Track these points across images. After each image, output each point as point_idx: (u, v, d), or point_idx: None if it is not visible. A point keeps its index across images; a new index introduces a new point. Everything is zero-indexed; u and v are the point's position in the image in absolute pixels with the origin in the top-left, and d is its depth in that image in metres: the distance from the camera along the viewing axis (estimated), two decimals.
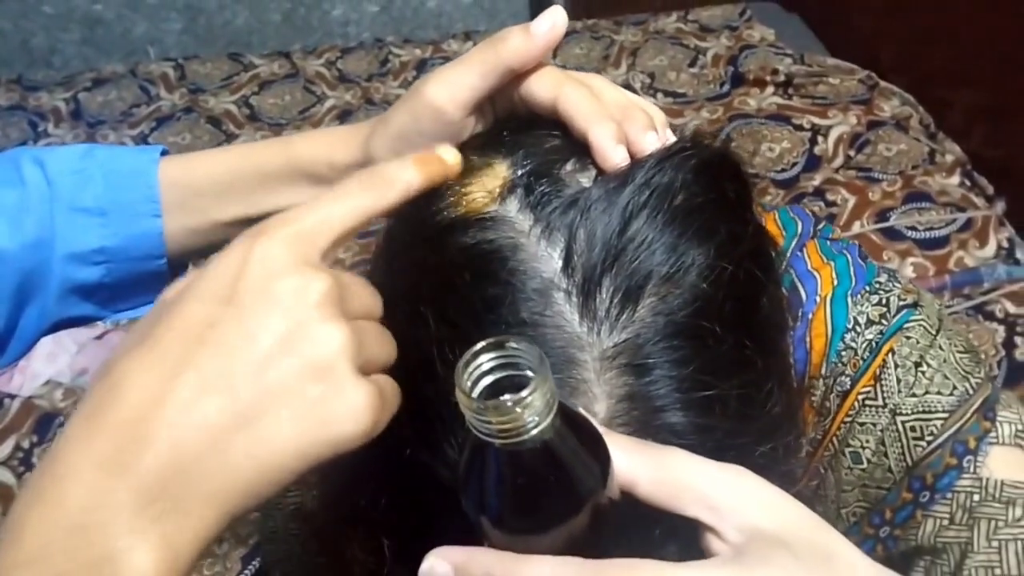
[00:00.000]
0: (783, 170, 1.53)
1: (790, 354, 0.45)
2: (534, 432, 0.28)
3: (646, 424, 0.35)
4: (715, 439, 0.36)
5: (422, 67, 1.90)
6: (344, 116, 1.77)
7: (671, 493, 0.33)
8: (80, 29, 2.24)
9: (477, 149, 0.41)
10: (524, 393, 0.27)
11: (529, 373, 0.29)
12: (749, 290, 0.39)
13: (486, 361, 0.29)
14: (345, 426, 0.32)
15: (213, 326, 0.32)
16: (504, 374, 0.29)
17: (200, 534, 0.30)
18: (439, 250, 0.38)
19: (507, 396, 0.28)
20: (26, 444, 1.21)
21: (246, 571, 0.80)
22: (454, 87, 0.43)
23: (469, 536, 0.33)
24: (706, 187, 0.39)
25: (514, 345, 0.29)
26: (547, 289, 0.36)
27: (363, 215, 0.36)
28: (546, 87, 0.42)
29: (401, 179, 0.37)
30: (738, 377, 0.37)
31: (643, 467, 0.33)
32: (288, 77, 1.88)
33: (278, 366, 0.31)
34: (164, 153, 0.52)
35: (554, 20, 0.42)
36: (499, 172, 0.39)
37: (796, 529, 0.32)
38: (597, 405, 0.35)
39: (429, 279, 0.38)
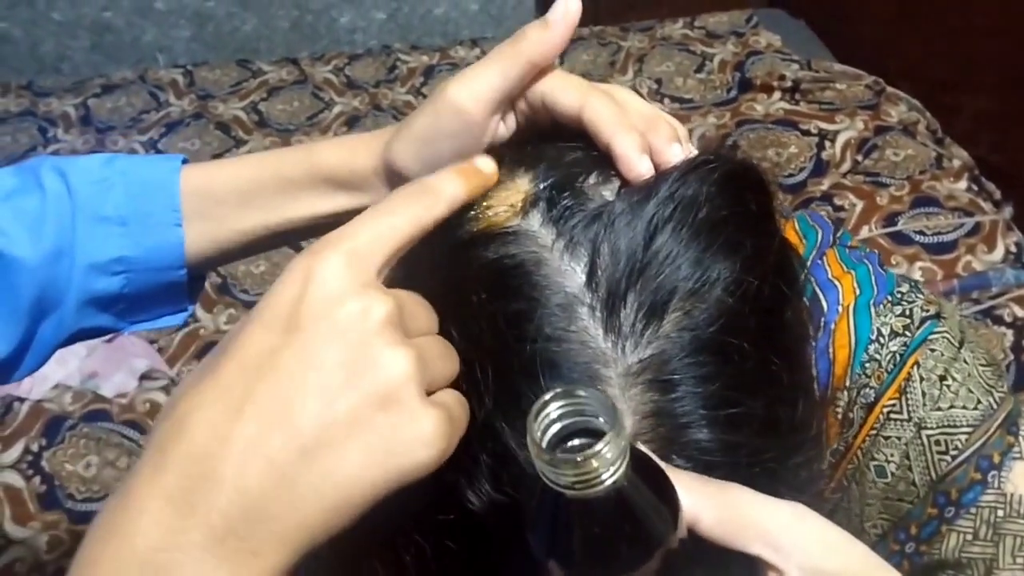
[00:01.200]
0: (790, 175, 1.53)
1: (812, 366, 0.45)
2: (608, 483, 0.28)
3: (672, 441, 0.35)
4: (741, 456, 0.36)
5: (429, 73, 1.91)
6: (352, 122, 1.77)
7: (733, 531, 0.32)
8: (89, 36, 2.25)
9: (499, 163, 0.41)
10: (599, 446, 0.27)
11: (599, 420, 0.28)
12: (775, 304, 0.39)
13: (555, 410, 0.29)
14: (416, 454, 0.31)
15: (274, 355, 0.31)
16: (571, 420, 0.29)
17: (270, 573, 0.30)
18: (461, 265, 0.38)
19: (578, 442, 0.28)
20: (35, 447, 1.21)
21: None
22: (476, 86, 0.43)
23: (492, 557, 0.32)
24: (731, 200, 0.38)
25: (583, 393, 0.29)
26: (571, 304, 0.35)
27: (415, 228, 0.35)
28: (572, 96, 0.42)
29: (446, 190, 0.37)
30: (764, 393, 0.37)
31: (705, 504, 0.32)
32: (296, 83, 1.89)
33: (344, 396, 0.31)
34: (184, 162, 0.52)
35: (567, 7, 0.42)
36: (521, 186, 0.39)
37: (859, 569, 0.32)
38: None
39: (451, 295, 0.37)
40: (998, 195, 1.47)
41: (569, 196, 0.38)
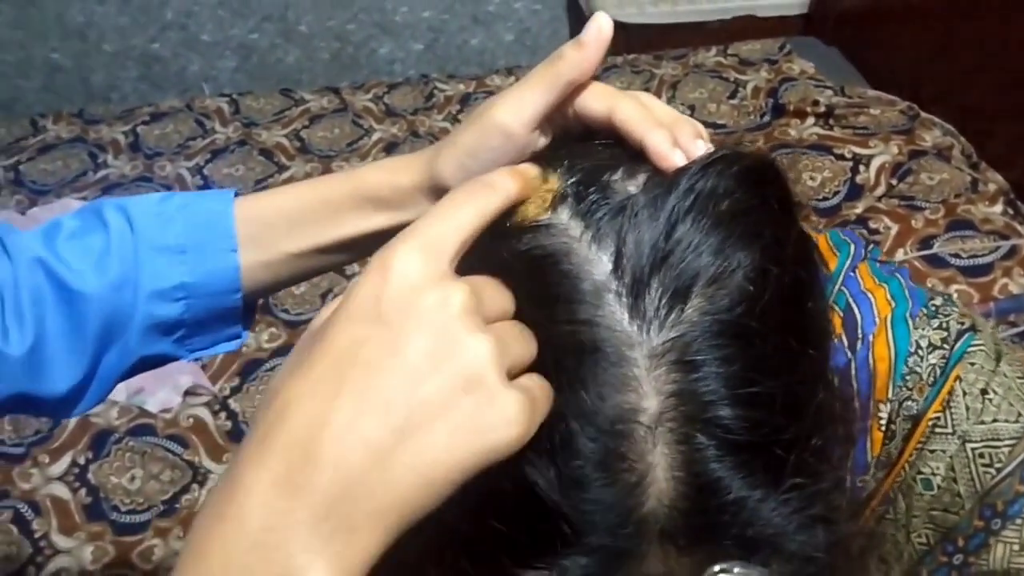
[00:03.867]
0: (825, 199, 1.54)
1: (832, 357, 0.46)
2: None
3: (694, 419, 0.36)
4: (762, 434, 0.37)
5: (465, 101, 1.95)
6: (390, 148, 1.81)
7: None
8: (138, 67, 2.32)
9: (533, 164, 0.43)
10: None
11: None
12: (794, 292, 0.40)
13: None
14: (499, 433, 0.33)
15: (363, 345, 0.33)
16: None
17: (368, 550, 0.32)
18: (494, 257, 0.40)
19: None
20: (82, 460, 1.25)
21: None
22: (519, 106, 0.46)
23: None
24: (749, 192, 0.40)
25: None
26: (598, 291, 0.37)
27: (480, 219, 0.38)
28: (601, 101, 0.45)
29: (504, 185, 0.39)
30: (784, 374, 0.38)
31: None
32: (337, 111, 1.93)
33: (430, 380, 0.33)
34: (236, 195, 0.56)
35: (600, 25, 0.45)
36: (551, 183, 0.41)
37: None
38: (647, 401, 0.36)
39: None
40: None
41: (596, 191, 0.40)
